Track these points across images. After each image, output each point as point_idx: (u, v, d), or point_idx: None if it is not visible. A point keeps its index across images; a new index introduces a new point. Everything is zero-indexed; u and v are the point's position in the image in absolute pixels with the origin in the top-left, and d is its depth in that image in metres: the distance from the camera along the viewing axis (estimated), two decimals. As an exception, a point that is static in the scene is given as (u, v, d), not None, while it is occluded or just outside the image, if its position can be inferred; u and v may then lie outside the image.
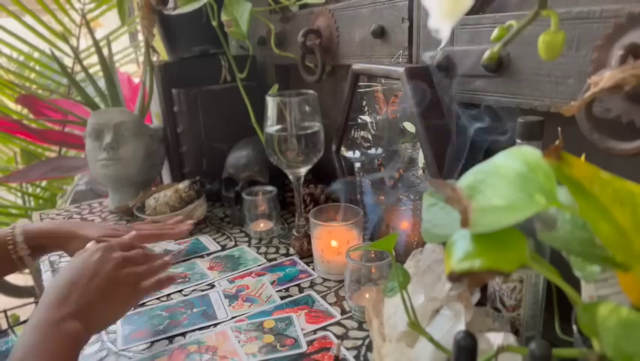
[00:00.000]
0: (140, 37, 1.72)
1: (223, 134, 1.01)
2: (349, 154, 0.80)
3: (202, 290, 0.69)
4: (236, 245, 0.83)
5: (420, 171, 0.68)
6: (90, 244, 0.60)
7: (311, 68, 0.88)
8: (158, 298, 0.67)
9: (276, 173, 0.85)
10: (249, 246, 0.82)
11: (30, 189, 1.74)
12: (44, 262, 0.78)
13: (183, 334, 0.59)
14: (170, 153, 1.06)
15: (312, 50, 0.83)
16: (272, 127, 0.71)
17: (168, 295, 0.68)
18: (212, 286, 0.70)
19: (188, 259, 0.78)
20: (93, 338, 0.59)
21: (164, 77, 1.01)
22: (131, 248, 0.60)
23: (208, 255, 0.80)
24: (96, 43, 1.06)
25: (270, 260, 0.77)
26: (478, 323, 0.45)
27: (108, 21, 1.82)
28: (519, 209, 0.27)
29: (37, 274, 1.08)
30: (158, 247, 0.82)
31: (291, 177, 0.75)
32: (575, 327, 0.37)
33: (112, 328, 0.60)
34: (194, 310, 0.64)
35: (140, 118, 0.99)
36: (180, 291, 0.69)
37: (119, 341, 0.58)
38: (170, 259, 0.62)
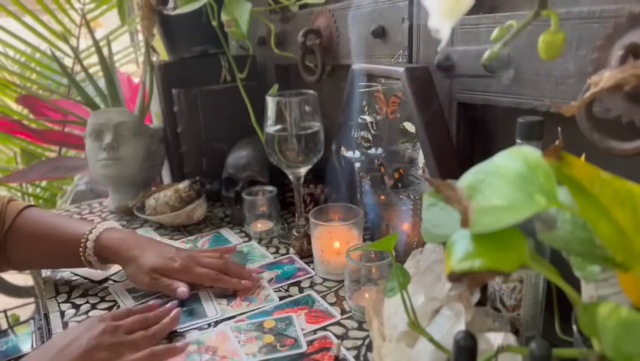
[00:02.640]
0: (140, 37, 1.72)
1: (223, 134, 1.01)
2: (349, 154, 0.80)
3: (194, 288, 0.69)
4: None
5: (420, 171, 0.68)
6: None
7: (311, 68, 0.87)
8: (158, 297, 0.67)
9: (276, 173, 0.85)
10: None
11: (30, 189, 1.74)
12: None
13: (183, 334, 0.59)
14: (170, 153, 1.06)
15: (312, 50, 0.83)
16: (272, 127, 0.71)
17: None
18: (212, 285, 0.70)
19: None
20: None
21: (164, 77, 1.01)
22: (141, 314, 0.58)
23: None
24: (96, 43, 1.06)
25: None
26: (478, 323, 0.45)
27: (108, 21, 1.82)
28: (519, 209, 0.27)
29: (37, 274, 1.08)
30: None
31: (291, 177, 0.75)
32: (575, 327, 0.37)
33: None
34: (183, 308, 0.63)
35: (140, 118, 0.99)
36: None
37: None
38: (168, 322, 0.58)
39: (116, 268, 0.76)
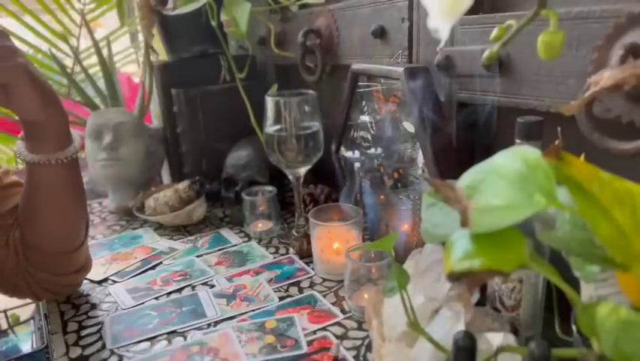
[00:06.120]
0: (141, 37, 1.72)
1: (223, 134, 1.01)
2: (349, 154, 0.80)
3: (193, 288, 0.69)
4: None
5: (420, 171, 0.68)
6: None
7: (311, 68, 0.87)
8: (156, 298, 0.67)
9: (276, 173, 0.85)
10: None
11: (30, 190, 1.73)
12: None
13: (184, 334, 0.59)
14: (170, 153, 1.06)
15: (312, 50, 0.83)
16: (271, 127, 0.71)
17: (170, 293, 0.68)
18: (211, 286, 0.70)
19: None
20: (94, 337, 0.59)
21: (163, 77, 1.01)
22: None
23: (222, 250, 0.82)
24: (96, 43, 1.06)
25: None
26: (477, 323, 0.45)
27: (108, 21, 1.81)
28: (519, 209, 0.27)
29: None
30: (161, 245, 0.82)
31: (290, 177, 0.75)
32: (574, 327, 0.37)
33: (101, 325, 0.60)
34: (183, 308, 0.64)
35: (140, 118, 0.99)
36: (181, 289, 0.69)
37: (108, 340, 0.58)
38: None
39: (116, 267, 0.76)
